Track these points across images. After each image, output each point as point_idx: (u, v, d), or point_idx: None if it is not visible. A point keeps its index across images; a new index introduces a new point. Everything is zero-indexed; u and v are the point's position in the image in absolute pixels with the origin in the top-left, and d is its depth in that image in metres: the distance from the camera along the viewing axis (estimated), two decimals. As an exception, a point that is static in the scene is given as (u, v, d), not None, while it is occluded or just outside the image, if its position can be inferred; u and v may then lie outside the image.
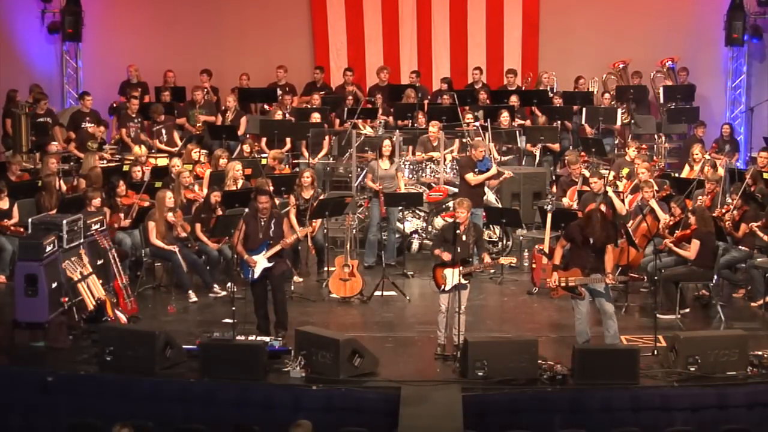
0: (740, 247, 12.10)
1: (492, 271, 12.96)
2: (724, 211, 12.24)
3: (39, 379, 9.57)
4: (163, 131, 15.80)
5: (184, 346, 9.95)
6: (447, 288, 10.12)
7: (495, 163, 15.32)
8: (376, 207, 13.21)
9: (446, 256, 10.08)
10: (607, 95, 17.07)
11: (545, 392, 9.31)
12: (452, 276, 10.04)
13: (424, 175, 14.71)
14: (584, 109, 16.63)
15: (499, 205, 14.11)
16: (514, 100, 16.60)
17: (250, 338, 10.15)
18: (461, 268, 9.98)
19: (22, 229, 12.30)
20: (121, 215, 12.73)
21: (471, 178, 13.19)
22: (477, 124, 15.35)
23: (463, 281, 10.02)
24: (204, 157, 14.63)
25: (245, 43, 18.42)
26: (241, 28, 18.44)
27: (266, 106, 17.16)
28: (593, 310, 10.27)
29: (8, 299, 11.16)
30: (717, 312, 11.37)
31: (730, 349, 9.57)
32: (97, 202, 12.30)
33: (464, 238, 10.11)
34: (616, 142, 16.60)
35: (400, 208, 13.70)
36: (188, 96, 16.99)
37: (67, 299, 10.48)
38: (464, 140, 15.14)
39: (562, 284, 10.01)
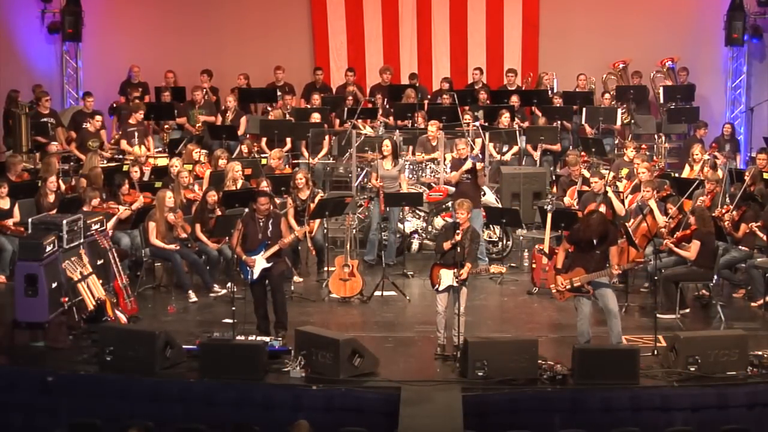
0: (740, 247, 12.10)
1: (492, 270, 12.97)
2: (724, 211, 12.24)
3: (39, 379, 9.57)
4: (135, 134, 15.49)
5: (184, 346, 9.95)
6: (440, 288, 10.12)
7: (495, 161, 15.40)
8: (377, 206, 13.22)
9: (447, 245, 10.09)
10: (607, 95, 17.07)
11: (545, 392, 9.31)
12: (447, 277, 10.04)
13: (424, 175, 14.71)
14: (584, 109, 16.63)
15: (499, 205, 14.11)
16: (514, 100, 16.60)
17: (250, 338, 10.15)
18: (455, 271, 9.97)
19: (22, 229, 12.31)
20: (120, 207, 12.73)
21: (447, 176, 13.24)
22: (477, 124, 15.35)
23: (455, 284, 10.01)
24: (204, 157, 14.63)
25: (245, 43, 18.40)
26: (241, 28, 18.43)
27: (268, 107, 17.13)
28: (595, 310, 10.27)
29: (8, 299, 11.16)
30: (717, 312, 11.38)
31: (730, 349, 9.57)
32: (96, 202, 12.33)
33: (462, 239, 10.09)
34: (616, 142, 16.60)
35: (401, 208, 13.71)
36: (188, 96, 16.99)
37: (67, 299, 10.49)
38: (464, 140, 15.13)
39: (568, 286, 9.99)
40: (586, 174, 13.23)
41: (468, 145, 13.57)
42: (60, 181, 13.66)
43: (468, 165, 13.22)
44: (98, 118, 15.69)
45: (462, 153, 13.27)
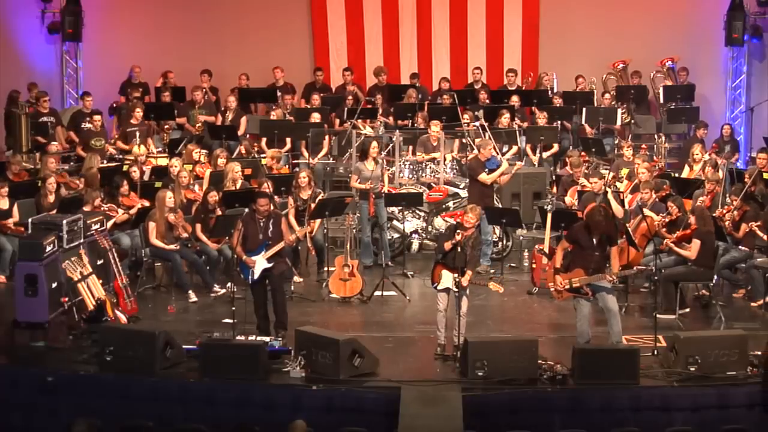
0: (740, 247, 12.10)
1: (492, 271, 12.99)
2: (725, 211, 12.24)
3: (39, 379, 9.57)
4: (137, 134, 15.47)
5: (184, 346, 9.95)
6: (439, 287, 10.12)
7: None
8: (366, 208, 13.17)
9: (448, 245, 10.08)
10: (607, 95, 17.06)
11: (545, 392, 9.31)
12: (447, 279, 10.05)
13: (424, 175, 14.71)
14: (584, 109, 16.62)
15: (499, 205, 14.11)
16: (514, 100, 16.61)
17: (250, 338, 10.15)
18: (456, 275, 9.97)
19: (22, 229, 12.31)
20: (119, 210, 12.73)
21: (485, 177, 13.17)
22: (477, 123, 15.35)
23: (453, 288, 10.02)
24: (204, 157, 14.63)
25: (245, 44, 18.41)
26: (241, 28, 18.44)
27: (272, 107, 17.06)
28: (594, 310, 10.26)
29: (8, 299, 11.16)
30: (717, 312, 11.37)
31: (730, 349, 9.57)
32: (98, 202, 12.34)
33: (464, 243, 10.06)
34: (616, 142, 16.59)
35: (393, 208, 13.71)
36: (188, 96, 16.98)
37: (67, 299, 10.48)
38: (464, 140, 15.14)
39: (566, 286, 9.98)
40: (586, 183, 13.13)
41: (492, 146, 13.59)
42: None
43: (504, 165, 13.27)
44: (97, 117, 15.69)
45: (487, 154, 13.27)
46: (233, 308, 10.49)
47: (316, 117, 15.91)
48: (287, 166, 15.21)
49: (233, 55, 18.26)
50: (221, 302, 11.87)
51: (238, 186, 13.31)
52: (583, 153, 14.91)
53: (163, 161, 14.95)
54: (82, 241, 11.05)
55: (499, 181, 13.49)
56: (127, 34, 18.31)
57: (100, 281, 10.98)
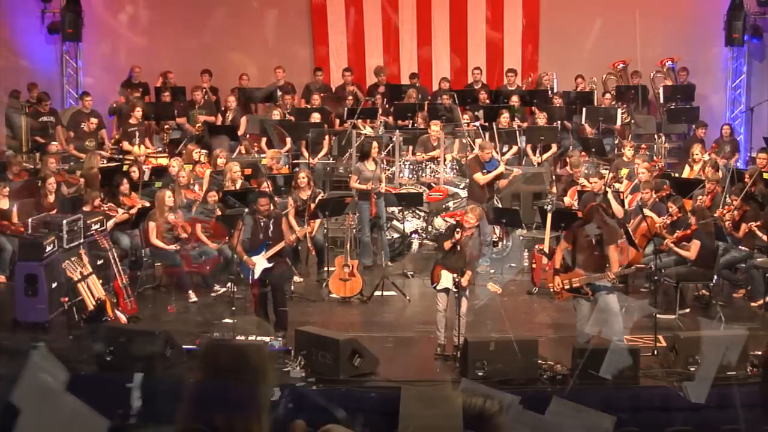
0: (740, 247, 12.10)
1: (492, 271, 12.99)
2: (725, 211, 12.24)
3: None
4: (137, 134, 15.51)
5: (184, 346, 9.95)
6: (438, 287, 10.13)
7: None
8: (366, 208, 13.17)
9: (447, 244, 10.09)
10: (607, 95, 17.06)
11: (545, 392, 9.30)
12: (446, 279, 10.05)
13: (424, 175, 14.71)
14: (584, 109, 16.62)
15: (499, 205, 14.11)
16: (514, 100, 16.60)
17: (250, 338, 10.15)
18: (456, 276, 9.97)
19: (22, 229, 12.31)
20: (119, 210, 12.74)
21: (480, 177, 13.19)
22: (477, 124, 15.34)
23: (453, 288, 10.02)
24: (204, 157, 14.64)
25: (245, 44, 18.41)
26: (241, 28, 18.44)
27: (275, 112, 17.05)
28: (594, 310, 10.25)
29: (8, 299, 11.16)
30: (717, 312, 11.37)
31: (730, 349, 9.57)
32: (97, 202, 12.34)
33: (464, 243, 10.06)
34: (616, 142, 16.59)
35: (393, 208, 13.71)
36: (188, 96, 16.98)
37: (67, 299, 10.48)
38: (464, 140, 15.14)
39: (566, 286, 9.98)
40: (586, 182, 13.14)
41: (492, 148, 13.60)
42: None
43: (501, 169, 13.28)
44: (94, 120, 15.70)
45: (486, 156, 13.28)
46: (233, 308, 10.48)
47: (316, 117, 15.91)
48: (287, 166, 15.21)
49: (233, 56, 18.25)
50: (221, 302, 11.88)
51: (238, 186, 13.31)
52: (583, 153, 14.91)
53: (163, 161, 14.96)
54: (82, 241, 11.06)
55: (498, 184, 13.50)
56: (127, 34, 18.30)
57: (100, 281, 10.98)
